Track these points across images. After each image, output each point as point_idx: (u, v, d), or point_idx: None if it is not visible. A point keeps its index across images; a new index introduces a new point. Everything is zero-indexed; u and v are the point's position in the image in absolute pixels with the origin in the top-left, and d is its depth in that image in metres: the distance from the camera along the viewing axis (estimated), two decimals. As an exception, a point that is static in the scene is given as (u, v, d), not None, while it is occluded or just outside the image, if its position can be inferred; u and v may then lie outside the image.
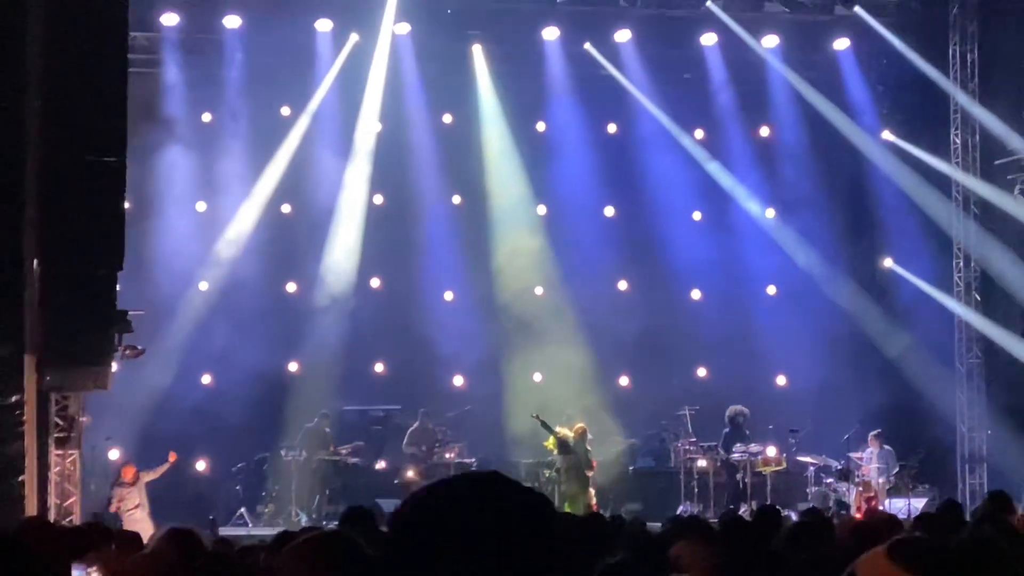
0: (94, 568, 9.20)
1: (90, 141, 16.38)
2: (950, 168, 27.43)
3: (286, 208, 27.82)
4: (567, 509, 21.11)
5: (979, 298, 27.23)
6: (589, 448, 24.16)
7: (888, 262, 28.34)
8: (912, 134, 27.90)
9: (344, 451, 25.47)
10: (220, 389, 25.88)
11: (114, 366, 18.39)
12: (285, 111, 27.63)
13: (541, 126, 28.98)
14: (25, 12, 16.11)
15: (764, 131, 29.36)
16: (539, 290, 28.18)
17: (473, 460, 25.63)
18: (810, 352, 27.50)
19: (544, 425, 24.15)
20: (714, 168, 28.93)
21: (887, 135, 28.05)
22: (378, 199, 28.06)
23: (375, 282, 28.07)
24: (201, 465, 26.04)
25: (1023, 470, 24.08)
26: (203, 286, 26.66)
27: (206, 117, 27.34)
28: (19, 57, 15.98)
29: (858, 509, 22.81)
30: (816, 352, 27.48)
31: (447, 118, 28.47)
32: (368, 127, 27.82)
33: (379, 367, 27.89)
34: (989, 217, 27.12)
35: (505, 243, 28.12)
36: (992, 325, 26.88)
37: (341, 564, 4.70)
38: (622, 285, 28.97)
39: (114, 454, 23.83)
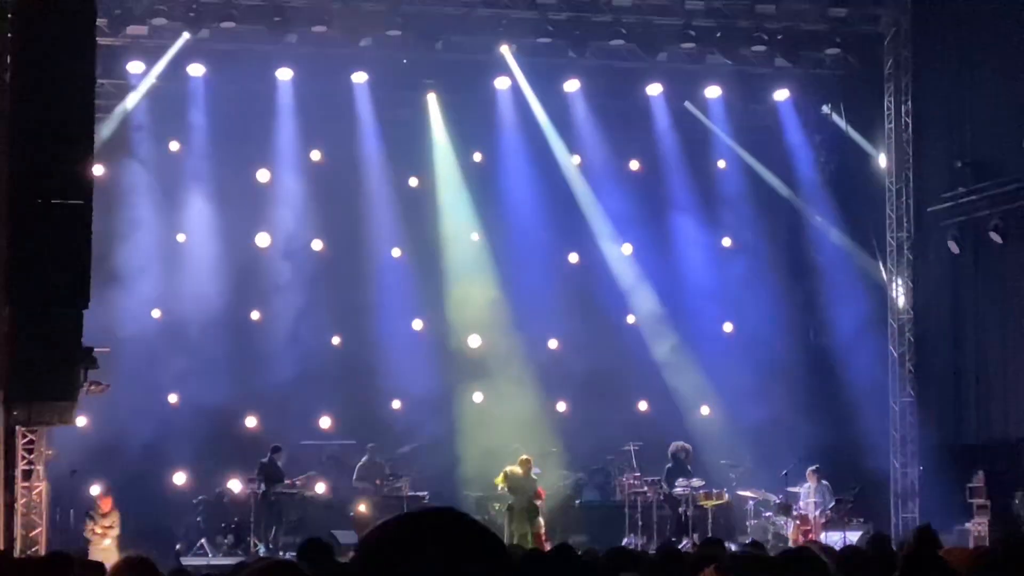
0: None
1: (56, 184, 16.27)
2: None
3: (256, 233, 28.55)
4: (516, 543, 21.57)
5: (912, 339, 28.02)
6: (535, 477, 24.65)
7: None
8: (846, 184, 29.05)
9: (299, 482, 25.99)
10: (176, 421, 26.42)
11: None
12: (253, 168, 28.41)
13: (477, 157, 29.56)
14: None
15: (711, 175, 30.13)
16: (493, 295, 28.70)
17: (425, 494, 26.13)
18: (751, 390, 28.03)
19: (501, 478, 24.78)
20: (657, 210, 29.64)
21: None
22: (317, 245, 28.84)
23: (335, 340, 28.72)
24: (168, 481, 26.72)
25: (952, 505, 24.61)
26: (157, 314, 27.46)
27: (169, 158, 28.03)
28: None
29: (795, 541, 23.25)
30: (757, 390, 27.98)
31: (413, 179, 29.32)
32: (324, 172, 28.67)
33: (329, 406, 28.29)
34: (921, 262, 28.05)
35: (456, 288, 28.70)
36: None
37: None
38: (567, 325, 29.20)
39: (94, 489, 24.29)
